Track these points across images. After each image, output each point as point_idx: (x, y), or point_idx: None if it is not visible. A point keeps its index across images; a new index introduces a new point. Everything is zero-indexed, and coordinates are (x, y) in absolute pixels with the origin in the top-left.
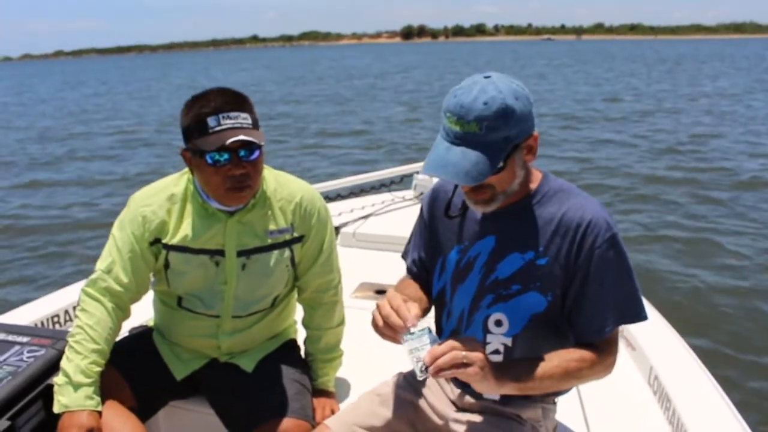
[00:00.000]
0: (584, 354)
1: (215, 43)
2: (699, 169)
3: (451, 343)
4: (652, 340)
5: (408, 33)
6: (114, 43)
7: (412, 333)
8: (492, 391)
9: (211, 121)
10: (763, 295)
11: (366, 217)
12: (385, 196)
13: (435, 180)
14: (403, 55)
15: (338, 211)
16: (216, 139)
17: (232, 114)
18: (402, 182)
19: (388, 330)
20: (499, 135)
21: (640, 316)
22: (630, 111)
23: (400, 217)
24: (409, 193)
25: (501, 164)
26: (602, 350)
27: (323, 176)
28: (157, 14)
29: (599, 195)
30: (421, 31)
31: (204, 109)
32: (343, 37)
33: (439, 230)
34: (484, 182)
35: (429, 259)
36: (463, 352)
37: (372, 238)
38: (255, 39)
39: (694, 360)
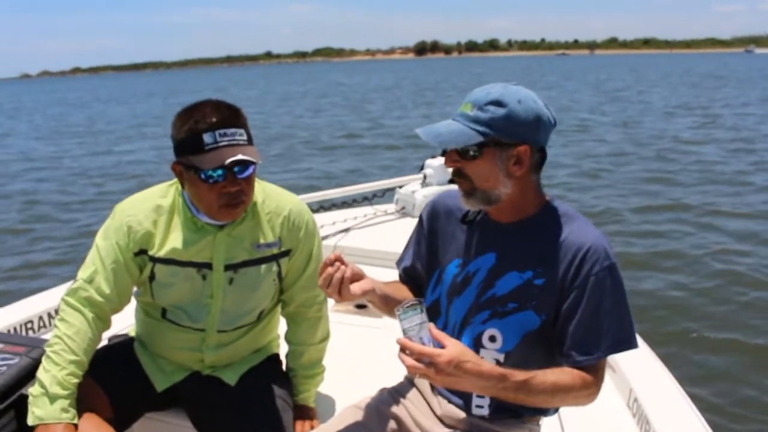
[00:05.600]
0: (574, 376)
1: (229, 60)
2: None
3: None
4: (632, 363)
5: (421, 49)
6: (129, 60)
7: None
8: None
9: (207, 137)
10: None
11: (347, 230)
12: (367, 210)
13: (416, 195)
14: (411, 71)
15: (320, 224)
16: (213, 157)
17: (229, 131)
18: (384, 196)
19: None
20: (484, 117)
21: (631, 345)
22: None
23: (381, 231)
24: (390, 207)
25: (475, 149)
26: (588, 377)
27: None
28: (171, 32)
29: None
30: (435, 47)
31: (200, 125)
32: (356, 53)
33: (438, 243)
34: (463, 171)
35: (423, 269)
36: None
37: (353, 252)
38: (269, 55)
39: (673, 383)
